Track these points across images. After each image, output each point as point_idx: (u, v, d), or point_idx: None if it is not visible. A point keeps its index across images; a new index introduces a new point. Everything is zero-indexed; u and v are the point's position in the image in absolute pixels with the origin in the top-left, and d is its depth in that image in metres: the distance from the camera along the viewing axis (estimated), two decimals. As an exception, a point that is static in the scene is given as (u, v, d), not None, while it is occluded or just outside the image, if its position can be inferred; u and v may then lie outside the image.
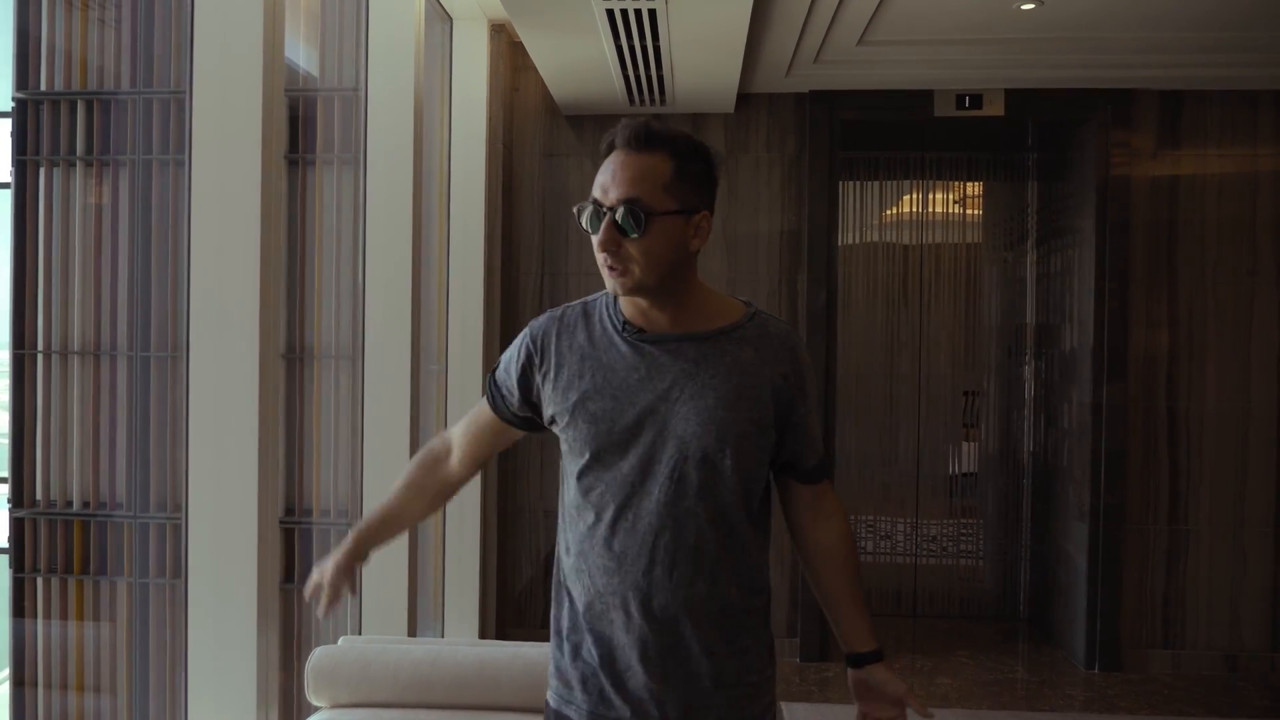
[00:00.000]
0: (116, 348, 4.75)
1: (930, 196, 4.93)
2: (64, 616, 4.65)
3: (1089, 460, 4.01)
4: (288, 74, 3.26)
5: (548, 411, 1.41)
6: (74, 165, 4.98)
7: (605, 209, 1.29)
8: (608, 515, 1.33)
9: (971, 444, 4.87)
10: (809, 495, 1.45)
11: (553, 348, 1.39)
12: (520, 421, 1.48)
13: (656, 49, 3.26)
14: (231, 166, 2.09)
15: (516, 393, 1.44)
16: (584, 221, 1.31)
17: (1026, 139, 4.75)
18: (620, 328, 1.35)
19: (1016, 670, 4.06)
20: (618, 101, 3.88)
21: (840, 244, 4.80)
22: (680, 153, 1.30)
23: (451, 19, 3.75)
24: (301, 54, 3.19)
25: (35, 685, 4.72)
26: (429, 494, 1.57)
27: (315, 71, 3.19)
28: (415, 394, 3.10)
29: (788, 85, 3.94)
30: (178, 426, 2.68)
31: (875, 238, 4.91)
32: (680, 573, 1.30)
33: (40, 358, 4.89)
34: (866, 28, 3.39)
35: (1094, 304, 4.01)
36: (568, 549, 1.40)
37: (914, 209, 4.93)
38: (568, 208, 4.07)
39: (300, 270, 4.19)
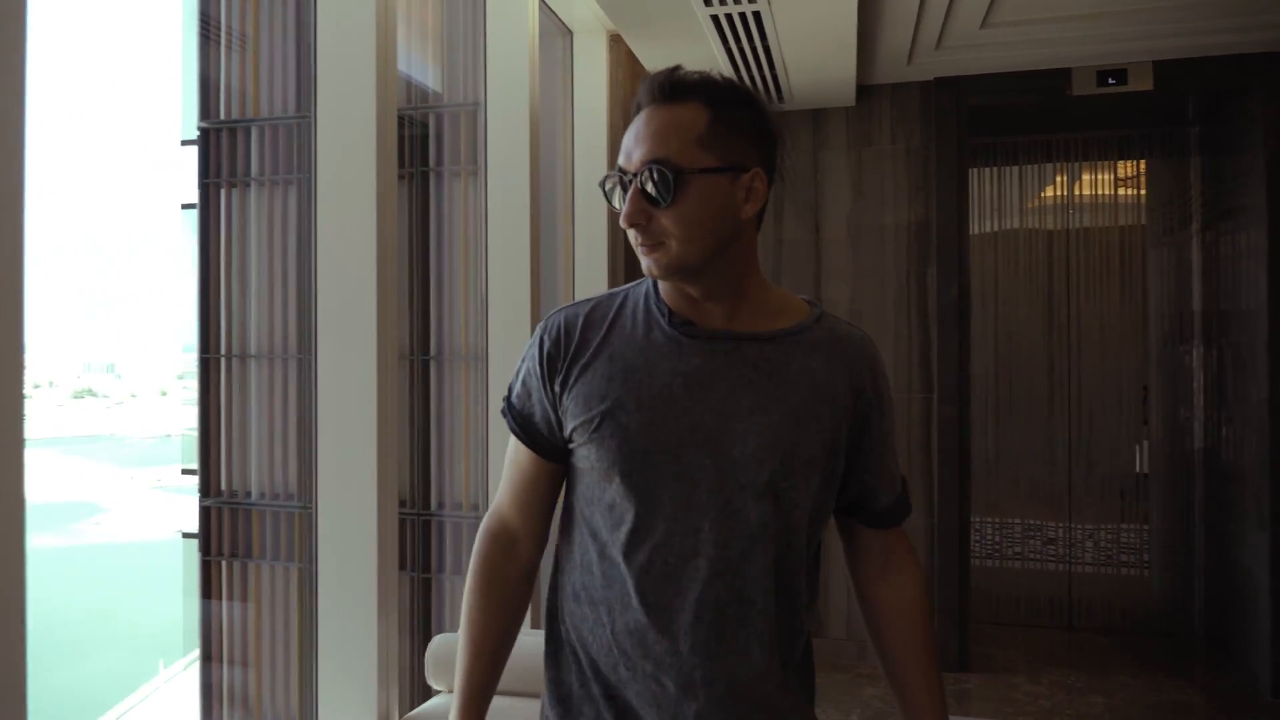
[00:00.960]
0: (287, 351, 5.22)
1: (1076, 179, 4.64)
2: (244, 598, 5.15)
3: (1267, 462, 3.66)
4: (418, 93, 3.50)
5: (567, 427, 1.10)
6: (249, 185, 5.50)
7: (630, 175, 1.04)
8: (639, 558, 1.05)
9: (1136, 443, 4.53)
10: (879, 544, 1.19)
11: (573, 347, 1.10)
12: (562, 451, 1.14)
13: (766, 49, 3.25)
14: (349, 184, 2.26)
15: (549, 411, 1.12)
16: (613, 199, 1.08)
17: (1186, 112, 4.38)
18: (665, 320, 1.09)
19: (1187, 693, 3.69)
20: (736, 102, 3.89)
21: (974, 233, 4.61)
22: (717, 98, 1.04)
23: (572, 32, 3.88)
24: (429, 74, 3.41)
25: (220, 660, 5.26)
26: (514, 605, 1.18)
27: (441, 89, 3.40)
28: None
29: (910, 74, 3.82)
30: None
31: (1014, 225, 4.67)
32: (731, 634, 1.04)
33: (223, 361, 5.44)
34: (989, 10, 3.24)
35: (1268, 290, 3.66)
36: (577, 595, 1.11)
37: (1059, 193, 4.65)
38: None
39: (433, 276, 4.46)
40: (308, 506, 3.24)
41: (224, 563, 5.39)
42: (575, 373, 1.09)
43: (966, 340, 3.85)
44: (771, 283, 1.17)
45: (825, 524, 1.13)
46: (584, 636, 1.10)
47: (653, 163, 1.02)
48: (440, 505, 4.08)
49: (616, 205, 1.07)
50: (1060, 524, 4.58)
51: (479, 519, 3.87)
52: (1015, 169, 4.68)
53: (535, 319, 3.29)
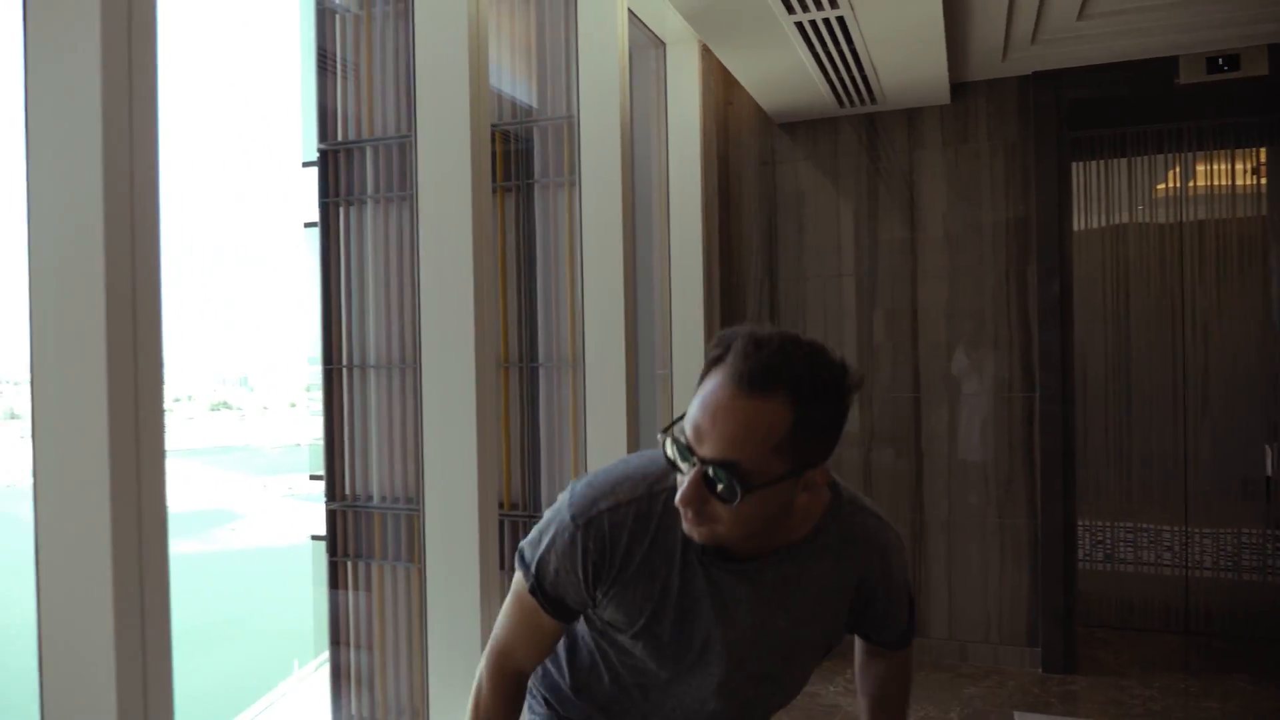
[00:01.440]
0: (404, 360, 5.49)
1: (1190, 170, 4.47)
2: (367, 595, 5.44)
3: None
4: (522, 110, 3.68)
5: (604, 614, 1.20)
6: (364, 203, 5.83)
7: (694, 457, 1.01)
8: (654, 700, 1.25)
9: (1267, 444, 4.32)
10: (880, 651, 1.38)
11: (617, 562, 1.14)
12: (577, 616, 1.24)
13: (854, 52, 3.29)
14: (446, 198, 2.39)
15: (585, 599, 1.19)
16: (672, 455, 1.04)
17: (1307, 97, 4.17)
18: (699, 550, 1.14)
19: (1315, 702, 3.55)
20: (827, 105, 3.93)
21: (1080, 229, 4.50)
22: (804, 396, 0.99)
23: (665, 44, 3.99)
24: (526, 90, 3.59)
25: (347, 652, 5.56)
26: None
27: (537, 104, 3.57)
28: (630, 397, 3.34)
29: (1006, 69, 3.78)
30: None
31: (1124, 219, 4.53)
32: None
33: (344, 372, 5.76)
34: (1085, 2, 3.20)
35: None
36: (577, 690, 1.31)
37: (1172, 184, 4.49)
38: (785, 213, 4.18)
39: (539, 285, 4.64)
40: (419, 509, 3.41)
41: (349, 563, 5.72)
42: (618, 584, 1.15)
43: (1070, 337, 3.77)
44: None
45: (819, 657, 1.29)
46: (575, 681, 1.29)
47: (723, 465, 0.99)
48: (546, 507, 4.23)
49: (677, 465, 1.04)
50: (1177, 527, 4.41)
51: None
52: (1123, 161, 4.55)
53: (629, 326, 3.39)
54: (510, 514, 4.41)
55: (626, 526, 1.13)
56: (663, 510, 1.13)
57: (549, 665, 1.34)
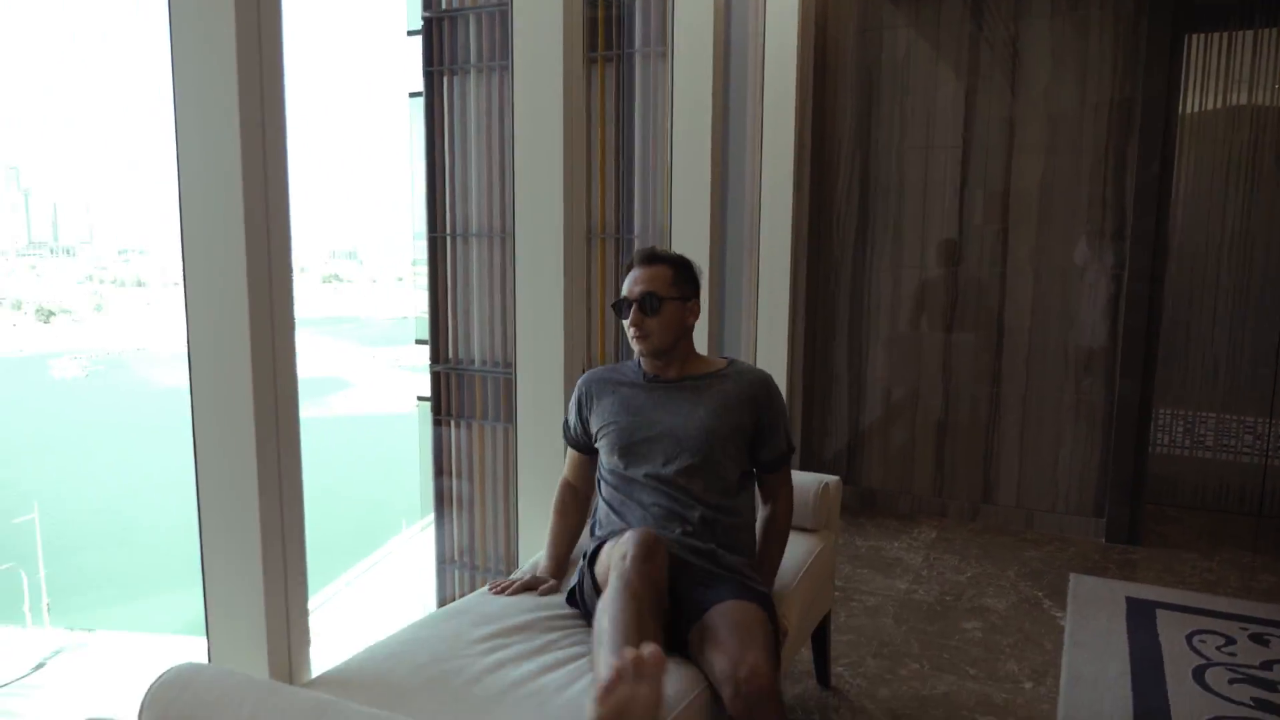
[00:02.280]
0: (505, 229, 5.74)
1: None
2: (469, 447, 5.86)
3: None
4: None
5: (594, 431, 2.05)
6: (468, 73, 5.98)
7: (632, 301, 1.96)
8: (639, 478, 1.95)
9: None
10: (767, 481, 2.05)
11: (592, 398, 2.07)
12: (593, 449, 2.09)
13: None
14: (540, 67, 2.39)
15: (584, 431, 2.09)
16: (622, 313, 1.97)
17: None
18: (642, 378, 2.04)
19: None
20: (929, -27, 3.85)
21: (1190, 111, 4.35)
22: (674, 262, 2.00)
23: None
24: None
25: (450, 508, 6.02)
26: (576, 521, 2.17)
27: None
28: (715, 269, 3.43)
29: (1121, -67, 3.62)
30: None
31: (1241, 100, 4.33)
32: (679, 509, 1.91)
33: (448, 240, 6.05)
34: None
35: None
36: (599, 518, 2.04)
37: (1296, 61, 4.25)
38: (883, 83, 4.16)
39: (637, 157, 4.76)
40: (513, 373, 3.56)
41: (451, 423, 6.15)
42: (594, 408, 2.06)
43: (1165, 219, 3.72)
44: (700, 352, 2.08)
45: (740, 467, 1.97)
46: (610, 520, 1.99)
47: (646, 295, 1.95)
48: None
49: (623, 318, 1.98)
50: (1261, 418, 4.38)
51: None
52: (1249, 34, 4.32)
53: (715, 203, 3.42)
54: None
55: (596, 379, 2.09)
56: (621, 371, 2.08)
57: (597, 514, 2.06)
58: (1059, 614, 3.09)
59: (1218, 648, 2.86)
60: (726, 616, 1.65)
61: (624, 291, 1.97)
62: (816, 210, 4.31)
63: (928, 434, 4.23)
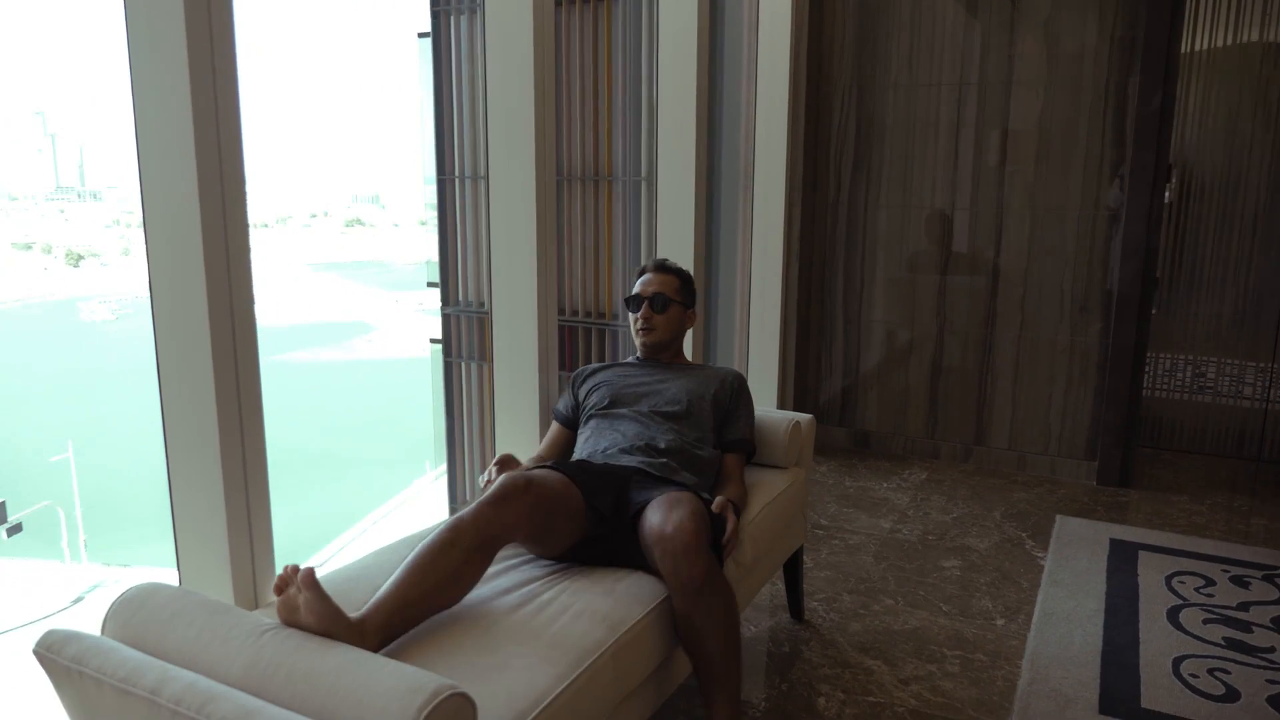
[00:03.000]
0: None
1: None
2: (480, 388, 5.93)
3: None
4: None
5: (583, 398, 2.31)
6: (476, 11, 5.91)
7: (644, 298, 2.32)
8: (623, 414, 2.19)
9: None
10: (726, 459, 2.24)
11: (586, 382, 2.34)
12: (575, 422, 2.31)
13: None
14: (509, 7, 2.35)
15: (573, 401, 2.33)
16: (632, 308, 2.34)
17: None
18: (636, 360, 2.40)
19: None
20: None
21: (1197, 47, 4.24)
22: (682, 275, 2.38)
23: None
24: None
25: (462, 449, 6.09)
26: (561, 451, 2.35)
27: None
28: (701, 209, 3.40)
29: None
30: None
31: (1252, 37, 4.20)
32: (653, 433, 2.14)
33: (457, 182, 6.05)
34: None
35: None
36: (584, 438, 2.23)
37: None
38: (882, 15, 4.07)
39: (616, 99, 4.70)
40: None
41: (462, 365, 6.20)
42: (587, 382, 2.34)
43: (1164, 158, 3.64)
44: (687, 356, 2.48)
45: (708, 438, 2.20)
46: (582, 447, 2.19)
47: (658, 294, 2.32)
48: (616, 316, 4.49)
49: (633, 311, 2.35)
50: (1264, 362, 4.34)
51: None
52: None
53: (701, 146, 3.34)
54: (584, 321, 4.70)
55: (592, 368, 2.39)
56: (611, 363, 2.40)
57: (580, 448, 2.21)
58: (1040, 554, 3.12)
59: (1196, 589, 2.88)
60: (661, 501, 1.80)
61: (635, 290, 2.34)
62: (812, 148, 4.27)
63: (922, 376, 4.23)
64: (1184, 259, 4.39)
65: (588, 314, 4.62)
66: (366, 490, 22.22)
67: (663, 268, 2.35)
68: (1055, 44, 3.79)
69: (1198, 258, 4.37)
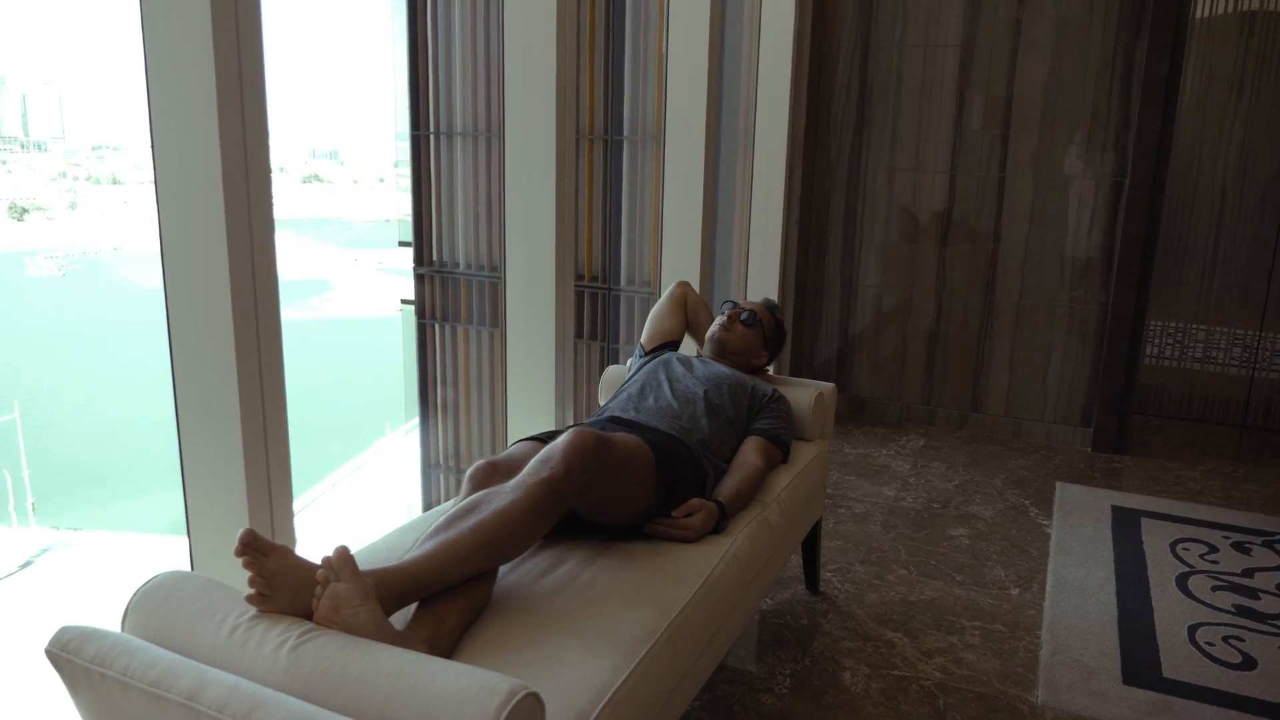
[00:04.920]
0: (491, 129, 5.55)
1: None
2: (454, 352, 5.80)
3: None
4: None
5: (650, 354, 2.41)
6: (452, -35, 5.64)
7: (742, 309, 2.39)
8: (665, 393, 2.14)
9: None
10: (754, 442, 2.14)
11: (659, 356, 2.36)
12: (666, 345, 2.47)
13: None
14: None
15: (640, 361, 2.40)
16: (724, 310, 2.40)
17: None
18: (697, 356, 2.37)
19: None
20: None
21: (1203, 15, 4.20)
22: (780, 331, 2.48)
23: None
24: None
25: (435, 409, 5.99)
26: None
27: None
28: (709, 172, 3.31)
29: None
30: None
31: (1253, 5, 4.17)
32: (690, 421, 2.07)
33: (431, 138, 5.85)
34: None
35: None
36: (627, 409, 2.15)
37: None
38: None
39: (627, 57, 4.56)
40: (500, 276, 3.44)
41: (436, 326, 6.05)
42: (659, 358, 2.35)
43: (1170, 123, 3.61)
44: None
45: (742, 427, 2.17)
46: (625, 401, 2.16)
47: (752, 313, 2.39)
48: (631, 281, 4.37)
49: (724, 315, 2.40)
50: (1251, 330, 4.37)
51: (653, 296, 4.16)
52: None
53: (711, 104, 3.26)
54: (590, 285, 4.59)
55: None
56: (675, 354, 2.38)
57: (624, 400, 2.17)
58: (1045, 522, 3.11)
59: (1201, 555, 2.90)
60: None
61: (740, 303, 2.45)
62: (814, 109, 4.17)
63: (919, 341, 4.19)
64: (1175, 225, 4.38)
65: (579, 277, 4.51)
66: (326, 452, 21.95)
67: (773, 312, 2.46)
68: (1062, 7, 3.72)
69: (1190, 225, 4.37)
